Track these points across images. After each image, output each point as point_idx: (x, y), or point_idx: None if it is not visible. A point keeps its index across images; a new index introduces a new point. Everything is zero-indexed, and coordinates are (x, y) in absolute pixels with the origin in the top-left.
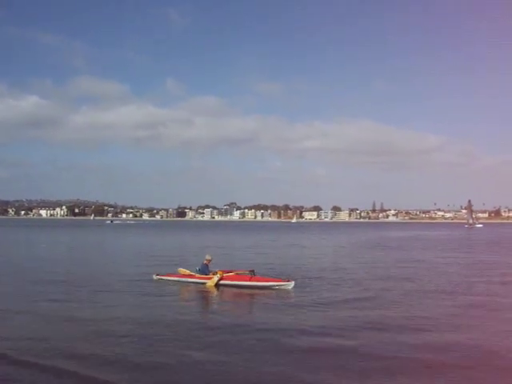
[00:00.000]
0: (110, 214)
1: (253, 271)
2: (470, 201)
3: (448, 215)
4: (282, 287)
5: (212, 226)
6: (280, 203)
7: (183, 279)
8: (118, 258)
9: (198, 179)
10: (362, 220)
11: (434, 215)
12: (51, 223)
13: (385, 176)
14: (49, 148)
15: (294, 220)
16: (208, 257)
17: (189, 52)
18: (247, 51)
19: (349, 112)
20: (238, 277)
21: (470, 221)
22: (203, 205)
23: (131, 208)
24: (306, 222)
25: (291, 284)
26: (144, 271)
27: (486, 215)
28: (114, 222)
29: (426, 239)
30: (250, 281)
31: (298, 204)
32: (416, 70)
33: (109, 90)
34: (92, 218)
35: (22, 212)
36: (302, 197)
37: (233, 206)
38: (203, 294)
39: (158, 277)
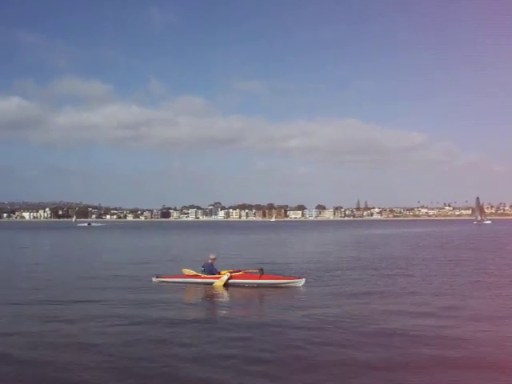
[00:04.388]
0: (94, 216)
1: (262, 270)
2: (478, 198)
3: (432, 212)
4: (293, 285)
5: (196, 226)
6: (264, 203)
7: (188, 280)
8: (99, 264)
9: (182, 179)
10: (346, 218)
11: (417, 212)
12: (29, 225)
13: (369, 174)
14: (31, 149)
15: (272, 219)
16: (212, 256)
17: (172, 51)
18: (230, 50)
19: (332, 111)
20: (247, 275)
21: (479, 217)
22: (188, 205)
23: (115, 209)
24: (289, 221)
25: (302, 281)
26: (138, 274)
27: (470, 212)
28: (93, 225)
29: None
30: (259, 279)
31: (282, 203)
32: (399, 69)
33: (92, 90)
34: (74, 219)
35: (5, 215)
36: (286, 196)
37: (217, 206)
38: (212, 295)
39: (159, 279)
